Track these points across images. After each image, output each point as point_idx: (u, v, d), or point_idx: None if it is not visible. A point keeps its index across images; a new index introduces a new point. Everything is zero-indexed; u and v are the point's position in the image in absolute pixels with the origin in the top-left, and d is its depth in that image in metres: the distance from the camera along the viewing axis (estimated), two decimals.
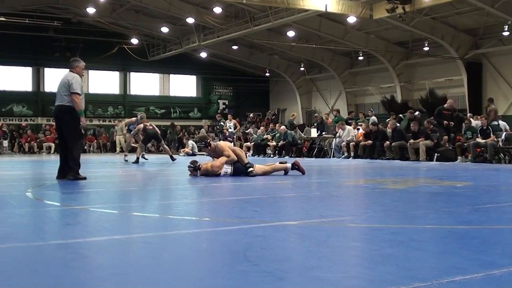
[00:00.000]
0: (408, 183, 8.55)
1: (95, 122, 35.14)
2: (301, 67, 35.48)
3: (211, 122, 36.05)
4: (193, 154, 22.55)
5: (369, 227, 4.33)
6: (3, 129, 28.87)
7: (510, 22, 23.42)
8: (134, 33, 32.53)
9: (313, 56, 33.01)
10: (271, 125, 25.41)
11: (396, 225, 4.37)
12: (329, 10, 23.55)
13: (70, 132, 8.81)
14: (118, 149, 28.17)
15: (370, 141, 18.39)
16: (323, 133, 21.82)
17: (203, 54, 35.06)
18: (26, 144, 29.11)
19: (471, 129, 16.29)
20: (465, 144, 15.99)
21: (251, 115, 35.41)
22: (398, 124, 18.53)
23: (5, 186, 8.60)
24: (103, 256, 3.28)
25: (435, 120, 17.28)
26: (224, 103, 39.97)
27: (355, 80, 34.50)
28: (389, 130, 18.42)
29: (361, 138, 19.23)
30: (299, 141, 22.55)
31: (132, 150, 18.02)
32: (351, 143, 19.14)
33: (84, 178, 8.77)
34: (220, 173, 9.42)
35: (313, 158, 20.05)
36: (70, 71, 8.93)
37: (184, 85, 39.17)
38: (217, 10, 26.88)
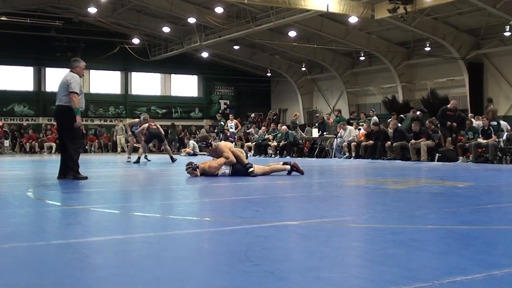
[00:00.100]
0: (409, 183, 8.54)
1: (96, 122, 35.17)
2: (303, 67, 35.47)
3: (212, 122, 36.04)
4: (194, 154, 22.56)
5: (370, 227, 4.33)
6: (4, 129, 28.90)
7: (511, 22, 23.40)
8: (136, 33, 32.54)
9: (314, 56, 33.00)
10: (272, 125, 25.41)
11: (397, 225, 4.36)
12: (330, 10, 23.54)
13: (68, 132, 8.86)
14: (119, 149, 28.19)
15: (371, 141, 18.37)
16: (324, 133, 21.81)
17: (205, 54, 35.07)
18: (27, 144, 29.14)
19: (472, 129, 16.26)
20: (467, 145, 15.98)
21: (253, 115, 35.43)
22: (399, 124, 18.51)
23: (7, 186, 8.61)
24: (104, 256, 3.29)
25: (439, 121, 17.21)
26: (225, 103, 39.97)
27: (356, 80, 34.50)
28: (390, 130, 18.40)
29: (362, 138, 19.22)
30: (300, 141, 22.56)
31: (135, 150, 18.03)
32: (352, 143, 19.12)
33: (85, 178, 8.79)
34: (218, 173, 9.44)
35: (314, 158, 20.04)
36: (71, 71, 8.98)
37: (185, 85, 39.18)
38: (219, 10, 26.88)
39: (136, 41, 32.74)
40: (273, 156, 21.54)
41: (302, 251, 3.37)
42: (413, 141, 16.84)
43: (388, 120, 20.61)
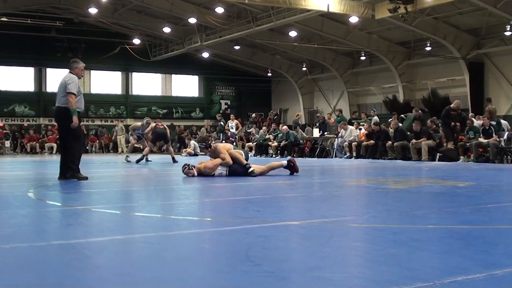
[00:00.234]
0: (410, 183, 8.54)
1: (97, 122, 35.17)
2: (303, 67, 35.46)
3: (213, 123, 36.05)
4: (195, 154, 22.56)
5: (371, 227, 4.33)
6: (5, 131, 28.91)
7: None
8: (136, 33, 32.54)
9: (315, 56, 33.00)
10: (273, 125, 25.41)
11: (398, 225, 4.36)
12: (331, 10, 23.53)
13: (67, 133, 8.89)
14: (119, 149, 28.21)
15: (372, 141, 18.38)
16: (325, 133, 21.82)
17: (205, 54, 35.07)
18: (28, 144, 29.15)
19: (473, 129, 16.26)
20: (467, 144, 15.98)
21: (253, 115, 35.44)
22: (400, 124, 18.50)
23: (8, 186, 8.62)
24: (105, 256, 3.29)
25: (443, 121, 17.13)
26: (226, 103, 39.96)
27: (357, 80, 34.49)
28: (391, 130, 18.40)
29: (363, 138, 19.21)
30: (301, 141, 22.56)
31: (135, 150, 18.04)
32: (353, 143, 19.12)
33: (86, 178, 8.81)
34: (214, 174, 9.46)
35: (315, 158, 20.06)
36: (70, 72, 9.02)
37: (186, 85, 39.17)
38: (219, 10, 26.89)
39: (136, 41, 32.74)
40: (273, 156, 21.54)
41: (303, 251, 3.37)
42: (414, 140, 16.83)
43: (389, 120, 20.60)
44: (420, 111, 20.41)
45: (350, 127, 20.17)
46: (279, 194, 7.08)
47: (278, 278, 2.66)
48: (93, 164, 15.80)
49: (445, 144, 16.56)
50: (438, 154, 16.33)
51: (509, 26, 23.87)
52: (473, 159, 15.60)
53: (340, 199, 6.53)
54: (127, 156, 17.01)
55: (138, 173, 12.23)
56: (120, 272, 2.84)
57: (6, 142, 28.62)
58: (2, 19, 26.53)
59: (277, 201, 6.27)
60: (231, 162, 9.50)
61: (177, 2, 27.93)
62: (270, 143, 22.65)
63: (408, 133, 17.70)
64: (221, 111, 36.07)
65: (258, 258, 3.06)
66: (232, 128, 25.86)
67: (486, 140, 15.40)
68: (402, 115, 20.74)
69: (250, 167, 9.49)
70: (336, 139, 20.43)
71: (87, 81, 34.72)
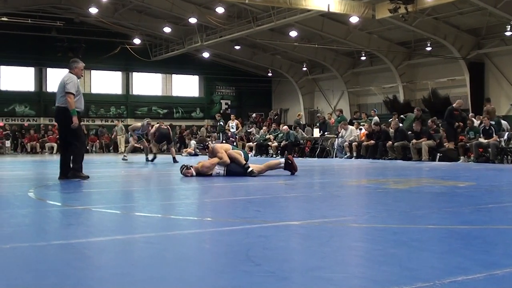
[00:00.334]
0: (410, 183, 8.54)
1: (98, 122, 35.18)
2: (304, 67, 35.47)
3: (213, 123, 36.07)
4: (196, 154, 22.55)
5: (371, 227, 4.33)
6: (6, 132, 28.90)
7: None
8: (137, 33, 32.55)
9: (315, 56, 33.00)
10: (273, 125, 25.41)
11: (398, 225, 4.36)
12: (331, 10, 23.54)
13: (67, 132, 8.90)
14: (120, 149, 28.21)
15: (372, 141, 18.38)
16: (326, 133, 21.82)
17: (206, 54, 35.08)
18: (29, 144, 29.16)
19: (473, 129, 16.26)
20: (468, 144, 15.97)
21: (254, 115, 35.44)
22: (400, 124, 18.49)
23: (8, 186, 8.62)
24: (105, 256, 3.29)
25: (447, 121, 17.07)
26: (226, 103, 39.96)
27: (357, 80, 34.49)
28: (391, 130, 18.40)
29: (363, 138, 19.21)
30: (301, 141, 22.56)
31: (135, 150, 18.07)
32: (353, 143, 19.12)
33: (87, 177, 8.83)
34: (212, 173, 9.47)
35: (316, 158, 20.06)
36: (69, 72, 9.03)
37: (186, 85, 39.19)
38: (220, 10, 26.90)
39: (137, 41, 32.76)
40: (274, 156, 21.53)
41: (303, 251, 3.37)
42: (414, 141, 16.83)
43: (389, 120, 20.59)
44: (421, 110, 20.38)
45: (350, 127, 20.17)
46: (279, 194, 7.08)
47: (278, 278, 2.67)
48: (94, 164, 15.80)
49: (446, 144, 16.54)
50: (439, 154, 16.33)
51: (509, 26, 23.88)
52: (473, 159, 15.59)
53: (340, 199, 6.53)
54: (124, 156, 17.05)
55: (138, 173, 12.23)
56: (120, 272, 2.84)
57: (6, 142, 28.62)
58: (3, 19, 26.55)
59: (277, 201, 6.27)
60: (228, 161, 9.51)
61: (177, 2, 27.95)
62: (270, 143, 22.65)
63: (409, 132, 17.69)
64: (221, 111, 36.08)
65: (258, 258, 3.06)
66: (232, 128, 25.87)
67: (486, 140, 15.40)
68: (402, 116, 20.73)
69: (249, 167, 9.51)
70: (337, 139, 20.43)
71: (88, 81, 34.75)
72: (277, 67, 36.85)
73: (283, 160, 10.11)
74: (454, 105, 17.73)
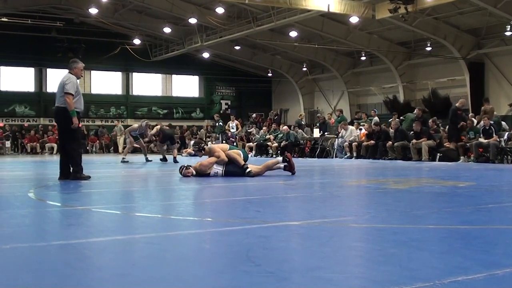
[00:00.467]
0: (410, 183, 8.53)
1: (98, 122, 35.17)
2: (304, 67, 35.47)
3: (213, 123, 36.07)
4: (195, 155, 22.52)
5: (371, 227, 4.33)
6: (6, 132, 28.89)
7: None
8: (137, 33, 32.55)
9: (315, 56, 33.01)
10: (273, 125, 25.40)
11: (398, 225, 4.36)
12: (331, 10, 23.55)
13: (67, 133, 8.90)
14: (120, 149, 28.20)
15: (372, 141, 18.37)
16: (326, 133, 21.83)
17: (206, 55, 35.09)
18: (29, 144, 29.15)
19: (473, 129, 16.25)
20: (468, 144, 15.97)
21: (254, 115, 35.43)
22: (400, 124, 18.49)
23: (8, 186, 8.62)
24: (105, 256, 3.29)
25: (451, 121, 16.99)
26: (226, 104, 39.98)
27: (357, 80, 34.49)
28: (391, 130, 18.39)
29: (363, 138, 19.21)
30: (301, 141, 22.56)
31: (134, 150, 18.08)
32: (353, 143, 19.12)
33: (88, 178, 8.84)
34: (210, 173, 9.47)
35: (316, 159, 20.06)
36: (69, 72, 9.04)
37: (186, 86, 39.19)
38: (220, 10, 26.90)
39: (137, 41, 32.75)
40: (274, 156, 21.52)
41: (303, 251, 3.37)
42: (414, 141, 16.83)
43: (389, 120, 20.58)
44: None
45: (350, 127, 20.17)
46: (279, 194, 7.08)
47: (278, 278, 2.67)
48: (93, 164, 15.80)
49: (448, 144, 16.52)
50: (439, 154, 16.33)
51: (509, 26, 23.88)
52: (473, 159, 15.59)
53: (340, 199, 6.53)
54: (123, 159, 17.00)
55: (138, 173, 12.23)
56: (120, 272, 2.84)
57: (6, 142, 28.61)
58: (3, 19, 26.55)
59: (277, 201, 6.27)
60: (226, 159, 9.52)
61: (177, 3, 27.95)
62: (270, 143, 22.64)
63: (411, 132, 17.67)
64: (221, 111, 36.08)
65: (258, 258, 3.06)
66: (233, 128, 25.86)
67: (486, 140, 15.40)
68: (401, 117, 20.67)
69: (247, 167, 9.51)
70: (337, 139, 20.43)
71: (88, 82, 34.75)
72: (277, 67, 36.85)
73: (281, 159, 10.11)
74: (457, 104, 17.66)
